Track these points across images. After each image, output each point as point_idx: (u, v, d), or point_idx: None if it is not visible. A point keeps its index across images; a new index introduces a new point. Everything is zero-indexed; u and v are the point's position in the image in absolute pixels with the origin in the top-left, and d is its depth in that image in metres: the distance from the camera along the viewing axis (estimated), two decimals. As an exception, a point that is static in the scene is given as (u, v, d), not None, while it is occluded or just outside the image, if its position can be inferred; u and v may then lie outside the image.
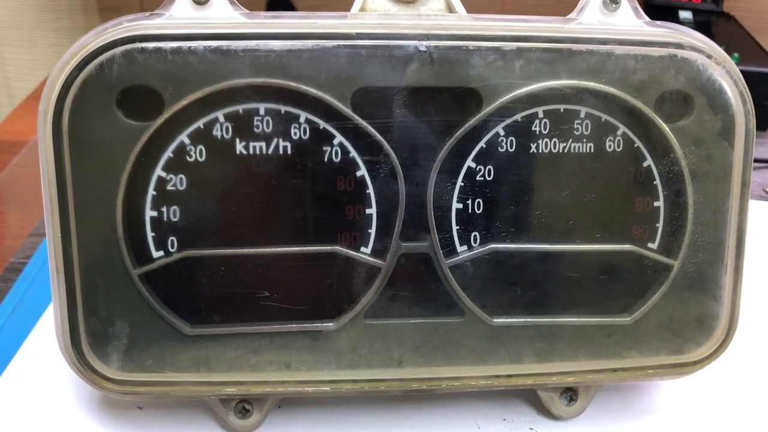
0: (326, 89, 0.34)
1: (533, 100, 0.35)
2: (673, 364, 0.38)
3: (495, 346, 0.37)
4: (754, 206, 0.61)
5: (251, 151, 0.35)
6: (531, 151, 0.36)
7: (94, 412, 0.39)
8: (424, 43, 0.34)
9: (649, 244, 0.38)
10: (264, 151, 0.35)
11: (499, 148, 0.36)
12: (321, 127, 0.35)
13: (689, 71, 0.36)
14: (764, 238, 0.57)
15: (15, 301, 0.47)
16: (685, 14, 0.82)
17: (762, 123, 0.78)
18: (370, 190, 0.36)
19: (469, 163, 0.36)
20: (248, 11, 0.35)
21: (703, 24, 0.81)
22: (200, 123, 0.34)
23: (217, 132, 0.35)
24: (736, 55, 0.72)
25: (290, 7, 0.94)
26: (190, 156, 0.35)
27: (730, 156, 0.37)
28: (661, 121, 0.36)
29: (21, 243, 0.55)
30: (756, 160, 0.70)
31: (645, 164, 0.37)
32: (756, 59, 0.75)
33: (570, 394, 0.39)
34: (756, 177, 0.67)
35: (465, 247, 0.37)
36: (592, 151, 0.37)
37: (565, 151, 0.37)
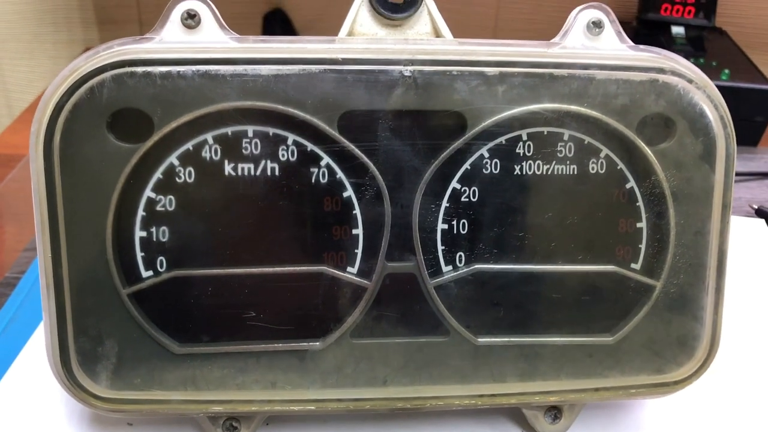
0: (313, 113, 0.35)
1: (516, 123, 0.36)
2: (655, 383, 0.38)
3: (479, 366, 0.38)
4: (741, 223, 0.62)
5: (240, 173, 0.36)
6: (515, 173, 0.37)
7: (85, 429, 0.39)
8: (409, 68, 0.35)
9: (632, 265, 0.38)
10: (252, 173, 0.36)
11: (484, 170, 0.37)
12: (308, 149, 0.36)
13: (670, 95, 0.36)
14: (750, 255, 0.57)
15: (8, 316, 0.48)
16: (678, 29, 0.83)
17: (752, 138, 0.79)
18: (357, 211, 0.36)
19: (454, 184, 0.37)
20: (238, 35, 0.36)
21: (695, 39, 0.82)
22: (189, 145, 0.35)
23: (205, 154, 0.35)
24: (726, 70, 0.72)
25: (287, 22, 0.94)
26: (179, 177, 0.35)
27: (711, 179, 0.37)
28: (643, 144, 0.37)
29: (16, 257, 0.56)
30: (746, 174, 0.70)
31: (628, 186, 0.38)
32: (747, 75, 0.75)
33: (554, 412, 0.39)
34: (744, 193, 0.67)
35: (450, 268, 0.37)
36: (576, 173, 0.37)
37: (549, 173, 0.37)
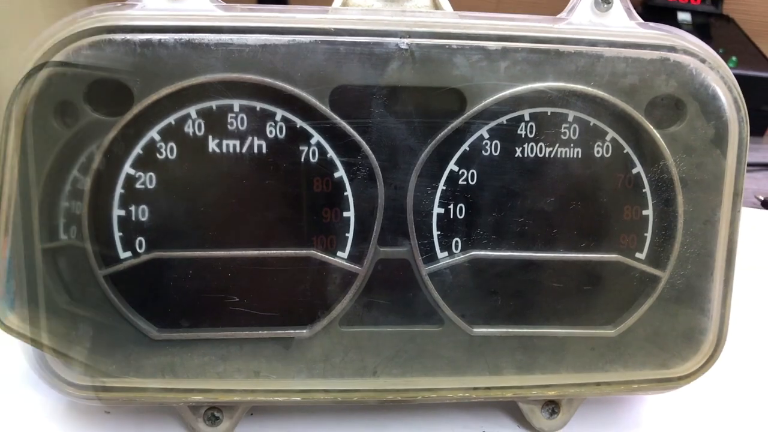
0: (303, 86, 0.33)
1: (519, 102, 0.34)
2: (658, 379, 0.37)
3: (474, 357, 0.36)
4: (747, 214, 0.60)
5: (224, 150, 0.34)
6: (516, 156, 0.35)
7: (59, 416, 0.38)
8: (406, 40, 0.33)
9: (637, 254, 0.36)
10: (238, 150, 0.34)
11: (483, 152, 0.35)
12: (298, 126, 0.34)
13: (682, 76, 0.34)
14: (757, 248, 0.55)
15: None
16: (684, 16, 0.81)
17: (759, 128, 0.77)
18: (348, 193, 0.34)
19: (452, 166, 0.35)
20: (225, 3, 0.34)
21: (702, 26, 0.80)
22: (171, 119, 0.33)
23: (188, 129, 0.33)
24: (734, 58, 0.70)
25: None
26: (161, 153, 0.33)
27: (722, 164, 0.35)
28: (651, 127, 0.35)
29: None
30: (752, 165, 0.68)
31: (634, 171, 0.36)
32: (754, 63, 0.73)
33: (552, 406, 0.38)
34: (750, 184, 0.66)
35: (445, 254, 0.35)
36: (580, 156, 0.35)
37: (552, 156, 0.35)
